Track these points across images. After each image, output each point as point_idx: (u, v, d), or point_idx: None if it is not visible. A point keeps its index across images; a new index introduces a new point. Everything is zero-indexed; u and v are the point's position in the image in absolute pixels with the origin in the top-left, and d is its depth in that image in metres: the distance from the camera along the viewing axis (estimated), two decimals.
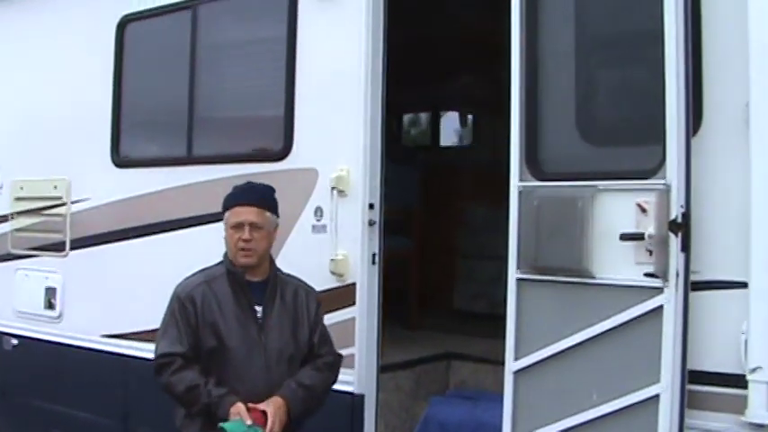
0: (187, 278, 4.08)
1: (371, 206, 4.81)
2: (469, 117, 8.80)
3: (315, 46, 5.01)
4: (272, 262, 4.12)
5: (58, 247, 6.18)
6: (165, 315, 4.00)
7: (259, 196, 4.08)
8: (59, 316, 6.22)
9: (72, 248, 6.11)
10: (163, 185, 5.59)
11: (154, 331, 5.45)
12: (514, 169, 4.26)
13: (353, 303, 4.78)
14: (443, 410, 5.19)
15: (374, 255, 4.81)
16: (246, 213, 3.98)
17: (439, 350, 5.64)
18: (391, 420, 5.10)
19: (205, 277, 4.01)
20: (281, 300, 4.02)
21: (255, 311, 3.95)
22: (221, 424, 3.72)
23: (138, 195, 5.73)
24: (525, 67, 4.23)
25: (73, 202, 6.12)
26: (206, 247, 5.29)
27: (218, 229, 5.26)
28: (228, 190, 5.21)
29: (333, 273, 4.80)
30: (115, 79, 5.92)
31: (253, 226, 3.95)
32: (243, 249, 3.95)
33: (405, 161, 6.66)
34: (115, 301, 5.87)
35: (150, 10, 5.82)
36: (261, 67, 5.36)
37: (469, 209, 7.52)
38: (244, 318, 3.92)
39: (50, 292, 6.26)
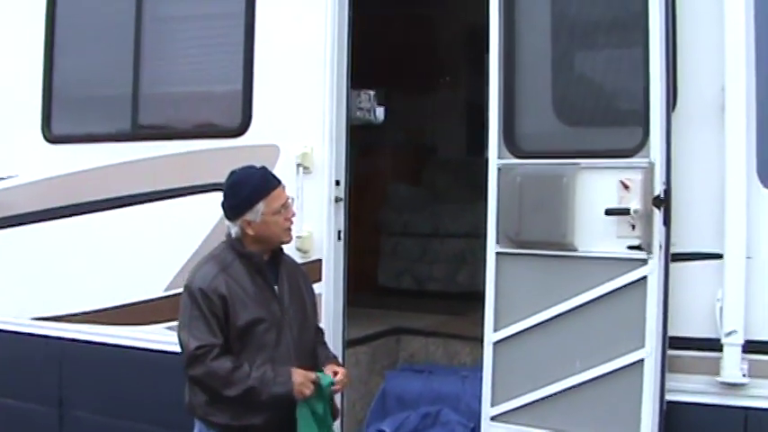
0: (199, 269, 3.93)
1: (338, 183, 4.84)
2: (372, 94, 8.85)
3: (275, 17, 4.93)
4: None
5: None
6: (187, 309, 3.82)
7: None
8: None
9: None
10: (104, 162, 5.39)
11: (93, 312, 5.47)
12: (493, 147, 4.40)
13: (319, 279, 4.78)
14: (400, 384, 5.32)
15: (339, 231, 4.85)
16: (283, 192, 3.96)
17: (386, 326, 5.75)
18: (351, 395, 5.16)
19: (220, 265, 3.87)
20: (287, 277, 4.00)
21: (274, 291, 3.92)
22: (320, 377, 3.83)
23: (74, 172, 5.50)
24: (503, 48, 4.35)
25: None
26: (146, 227, 5.30)
27: (162, 207, 5.25)
28: (178, 167, 5.20)
29: (298, 249, 4.78)
30: (46, 47, 5.63)
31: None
32: (289, 228, 3.96)
33: None
34: (48, 283, 5.65)
35: None
36: (218, 39, 5.24)
37: (391, 187, 7.64)
38: (266, 299, 3.87)
39: None
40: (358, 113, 8.64)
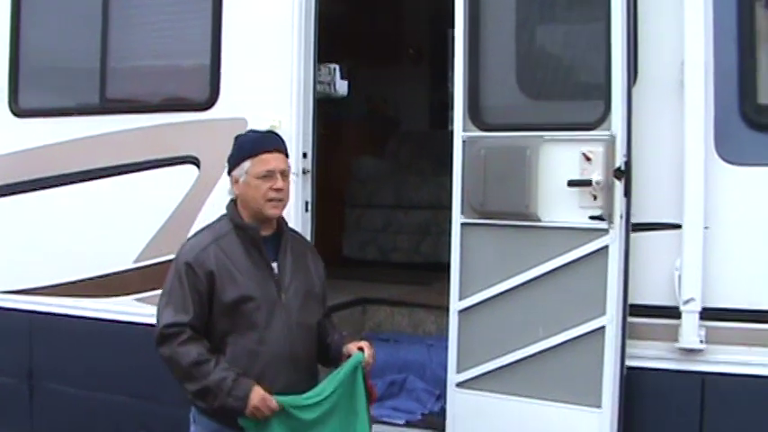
0: (193, 238, 3.76)
1: (305, 155, 4.91)
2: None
3: None
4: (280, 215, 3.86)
5: None
6: (170, 278, 3.65)
7: (282, 141, 3.81)
8: None
9: None
10: (72, 136, 5.41)
11: (63, 285, 5.50)
12: (458, 120, 4.49)
13: None
14: None
15: (307, 203, 4.93)
16: (276, 160, 3.68)
17: (352, 296, 5.84)
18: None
19: (213, 235, 3.68)
20: (293, 256, 3.77)
21: (272, 268, 3.68)
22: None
23: (42, 146, 5.51)
24: (468, 24, 4.44)
25: None
26: (116, 199, 5.34)
27: (131, 180, 5.28)
28: (147, 140, 5.25)
29: None
30: (13, 20, 5.62)
31: (283, 174, 3.69)
32: (272, 200, 3.67)
33: None
34: (17, 256, 5.68)
35: None
36: (186, 13, 5.26)
37: (354, 159, 7.72)
38: (261, 276, 3.64)
39: None
40: (318, 87, 8.74)
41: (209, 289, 3.58)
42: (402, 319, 5.71)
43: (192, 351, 3.53)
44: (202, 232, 3.77)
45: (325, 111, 8.30)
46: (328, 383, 3.66)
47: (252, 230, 3.70)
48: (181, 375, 3.56)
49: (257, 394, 3.48)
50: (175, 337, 3.54)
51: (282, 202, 3.72)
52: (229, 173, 3.76)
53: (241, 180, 3.70)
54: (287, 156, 3.79)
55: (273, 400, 3.49)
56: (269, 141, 3.78)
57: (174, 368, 3.56)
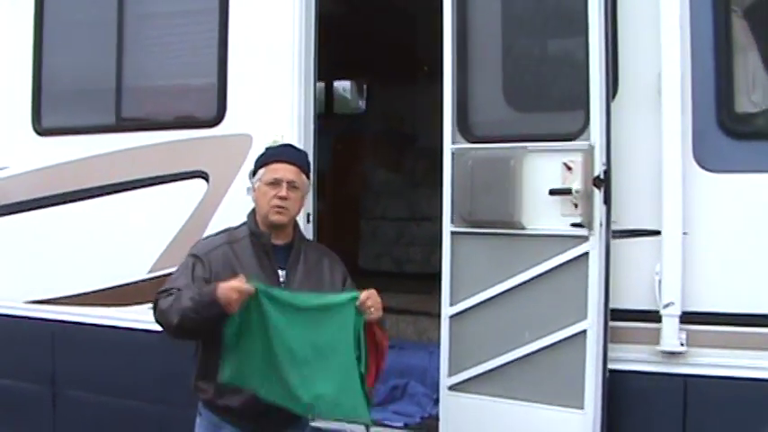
0: (209, 237, 4.03)
1: None
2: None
3: (247, 14, 5.22)
4: (296, 226, 4.02)
5: None
6: (177, 269, 3.87)
7: (299, 156, 4.06)
8: None
9: None
10: (90, 153, 5.70)
11: (83, 295, 5.77)
12: (447, 133, 4.65)
13: None
14: None
15: (309, 214, 5.12)
16: (285, 171, 3.90)
17: None
18: None
19: (228, 237, 3.91)
20: (305, 265, 3.93)
21: (278, 275, 3.86)
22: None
23: (63, 163, 5.80)
24: (456, 41, 4.61)
25: None
26: (131, 213, 5.61)
27: (145, 194, 5.54)
28: (159, 155, 5.51)
29: None
30: (35, 44, 5.94)
31: (290, 184, 3.88)
32: (277, 207, 3.85)
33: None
34: (40, 268, 5.95)
35: None
36: (194, 34, 5.53)
37: (370, 173, 7.92)
38: (266, 282, 3.75)
39: None
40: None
41: (210, 282, 3.71)
42: (407, 326, 5.88)
43: (170, 298, 3.68)
44: (220, 234, 3.99)
45: (344, 126, 8.60)
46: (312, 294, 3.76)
47: (263, 237, 3.90)
48: (166, 319, 3.67)
49: (224, 283, 3.54)
50: (163, 296, 3.72)
51: (286, 210, 3.88)
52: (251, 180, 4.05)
53: (255, 186, 3.97)
54: (305, 172, 3.99)
55: (244, 284, 3.54)
56: (285, 153, 4.05)
57: (162, 317, 3.70)
